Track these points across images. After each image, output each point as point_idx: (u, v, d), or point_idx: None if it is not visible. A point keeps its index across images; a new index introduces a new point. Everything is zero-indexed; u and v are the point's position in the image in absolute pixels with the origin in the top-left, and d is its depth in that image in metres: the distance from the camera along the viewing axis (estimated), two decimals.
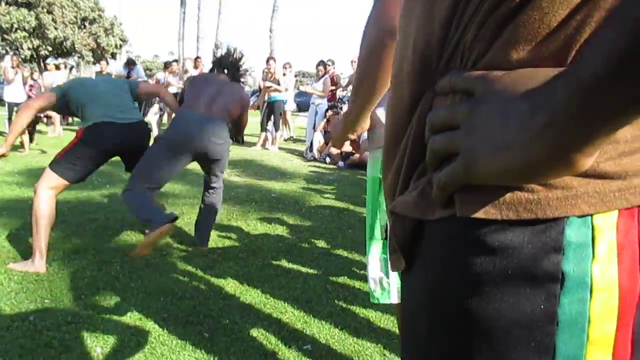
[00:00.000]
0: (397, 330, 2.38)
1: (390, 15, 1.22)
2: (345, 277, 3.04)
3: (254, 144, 9.99)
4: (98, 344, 2.18)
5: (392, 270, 0.63)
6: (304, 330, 2.38)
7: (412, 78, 0.54)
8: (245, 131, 10.59)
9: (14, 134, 3.13)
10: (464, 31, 0.48)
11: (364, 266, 3.09)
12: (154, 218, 2.87)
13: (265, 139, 9.85)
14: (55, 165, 3.07)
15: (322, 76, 9.70)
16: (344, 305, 2.66)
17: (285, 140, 11.55)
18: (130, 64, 11.70)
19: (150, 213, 2.95)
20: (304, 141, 11.55)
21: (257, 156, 8.65)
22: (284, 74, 10.55)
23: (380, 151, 1.45)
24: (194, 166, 7.09)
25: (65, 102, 3.18)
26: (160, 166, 3.20)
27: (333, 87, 10.23)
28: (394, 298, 1.45)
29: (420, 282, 0.52)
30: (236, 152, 9.13)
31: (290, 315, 2.54)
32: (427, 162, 0.50)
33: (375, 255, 1.47)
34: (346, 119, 1.42)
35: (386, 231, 1.42)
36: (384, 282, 1.45)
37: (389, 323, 2.47)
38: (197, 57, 11.40)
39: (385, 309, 2.60)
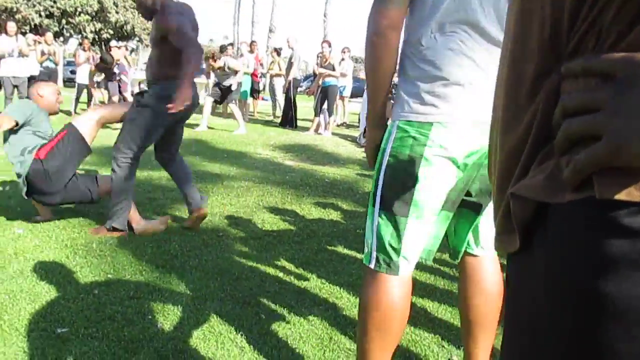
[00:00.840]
0: (455, 322, 2.32)
1: (386, 12, 1.32)
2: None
3: (307, 129, 9.99)
4: (159, 320, 2.23)
5: (500, 251, 0.62)
6: None
7: (539, 55, 0.54)
8: (299, 116, 10.66)
9: None
10: (601, 11, 0.46)
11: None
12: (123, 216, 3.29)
13: (319, 124, 9.83)
14: None
15: None
16: None
17: (338, 125, 11.51)
18: None
19: (125, 209, 3.29)
20: (357, 127, 11.49)
21: (310, 141, 8.65)
22: (342, 59, 10.47)
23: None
24: (250, 149, 7.15)
25: None
26: (153, 133, 3.30)
27: None
28: (411, 270, 1.48)
29: (542, 264, 0.51)
30: (290, 136, 9.18)
31: (346, 301, 2.51)
32: (556, 145, 0.49)
33: (368, 220, 1.51)
34: (374, 121, 1.50)
35: (374, 199, 1.46)
36: (371, 246, 1.48)
37: (447, 313, 2.41)
38: (253, 41, 11.50)
39: (443, 299, 2.53)
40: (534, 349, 0.52)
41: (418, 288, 2.64)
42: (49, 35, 10.50)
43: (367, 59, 1.42)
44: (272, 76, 11.58)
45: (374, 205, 1.48)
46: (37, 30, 16.71)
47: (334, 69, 9.71)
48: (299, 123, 10.72)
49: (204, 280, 2.65)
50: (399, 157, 1.40)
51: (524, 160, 0.54)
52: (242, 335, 2.12)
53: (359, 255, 3.14)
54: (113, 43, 10.99)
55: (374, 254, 1.48)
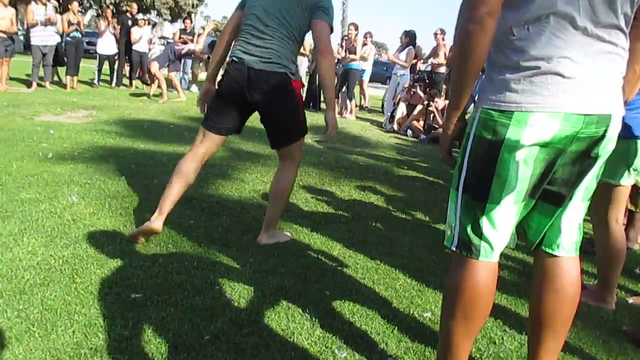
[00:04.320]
0: (517, 310, 2.37)
1: (482, 1, 1.30)
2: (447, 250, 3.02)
3: None
4: (227, 291, 2.28)
5: None
6: (420, 298, 2.40)
7: None
8: (321, 97, 10.65)
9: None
10: None
11: None
12: None
13: (344, 108, 9.83)
14: None
15: (406, 46, 9.50)
16: None
17: (359, 109, 11.50)
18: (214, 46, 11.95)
19: None
20: (379, 111, 11.47)
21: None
22: (365, 44, 10.41)
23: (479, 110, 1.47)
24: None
25: None
26: None
27: (414, 60, 10.03)
28: (496, 256, 1.49)
29: None
30: (314, 118, 9.12)
31: (403, 282, 2.56)
32: None
33: (451, 204, 1.53)
34: (456, 111, 1.50)
35: (458, 183, 1.49)
36: (454, 229, 1.52)
37: (503, 299, 2.46)
38: None
39: (505, 288, 2.57)
40: None
41: None
42: (75, 5, 10.46)
43: (460, 46, 1.39)
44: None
45: (457, 189, 1.50)
46: None
47: (355, 53, 9.67)
48: (322, 105, 10.71)
49: (262, 256, 2.70)
50: (482, 142, 1.42)
51: None
52: (310, 310, 2.17)
53: (406, 239, 3.18)
54: (140, 16, 10.94)
55: (457, 237, 1.51)
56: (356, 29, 9.94)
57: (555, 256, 1.58)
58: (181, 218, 3.16)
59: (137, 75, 11.21)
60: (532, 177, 1.43)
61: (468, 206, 1.47)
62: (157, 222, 2.63)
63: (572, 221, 1.56)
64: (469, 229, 1.47)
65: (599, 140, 1.41)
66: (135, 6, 11.73)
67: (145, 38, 10.63)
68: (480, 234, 1.46)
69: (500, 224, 1.46)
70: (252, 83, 2.60)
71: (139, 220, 3.05)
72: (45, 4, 9.29)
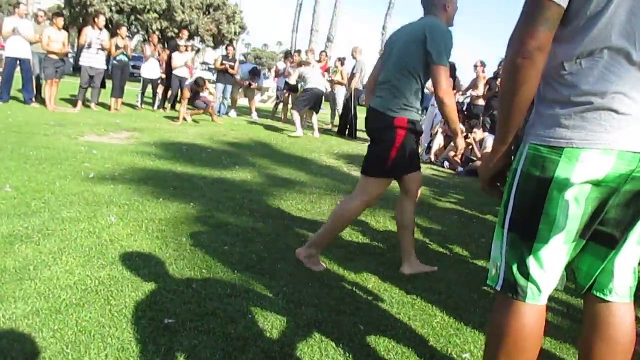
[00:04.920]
0: (557, 352, 2.25)
1: (535, 33, 1.27)
2: (490, 289, 2.92)
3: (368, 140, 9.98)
4: (259, 321, 2.24)
5: None
6: (459, 338, 2.30)
7: None
8: (358, 127, 10.66)
9: None
10: None
11: None
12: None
13: None
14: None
15: None
16: None
17: None
18: (255, 74, 12.26)
19: None
20: None
21: None
22: None
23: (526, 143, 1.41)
24: (315, 156, 7.16)
25: None
26: None
27: (453, 92, 9.95)
28: (544, 299, 1.40)
29: None
30: (351, 146, 9.17)
31: (440, 320, 2.47)
32: None
33: (497, 241, 1.47)
34: (503, 147, 1.45)
35: (504, 221, 1.43)
36: (499, 269, 1.45)
37: (547, 343, 2.34)
38: (323, 51, 11.58)
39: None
40: None
41: None
42: (124, 30, 10.85)
43: (508, 81, 1.35)
44: (333, 85, 11.62)
45: (503, 227, 1.44)
46: (107, 25, 17.28)
47: None
48: (359, 134, 10.69)
49: (296, 285, 2.66)
50: (530, 179, 1.36)
51: None
52: (344, 344, 2.12)
53: (443, 275, 3.09)
54: (183, 42, 11.24)
55: (502, 278, 1.44)
56: None
57: (608, 302, 1.50)
58: (216, 243, 3.16)
59: (178, 100, 11.49)
60: (583, 216, 1.36)
61: (515, 245, 1.41)
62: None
63: (626, 265, 1.48)
64: (515, 269, 1.40)
65: None
66: (186, 33, 12.05)
67: (184, 63, 10.95)
68: (527, 275, 1.39)
69: (549, 265, 1.39)
70: (368, 119, 3.03)
71: (175, 244, 3.06)
72: (101, 29, 9.67)
